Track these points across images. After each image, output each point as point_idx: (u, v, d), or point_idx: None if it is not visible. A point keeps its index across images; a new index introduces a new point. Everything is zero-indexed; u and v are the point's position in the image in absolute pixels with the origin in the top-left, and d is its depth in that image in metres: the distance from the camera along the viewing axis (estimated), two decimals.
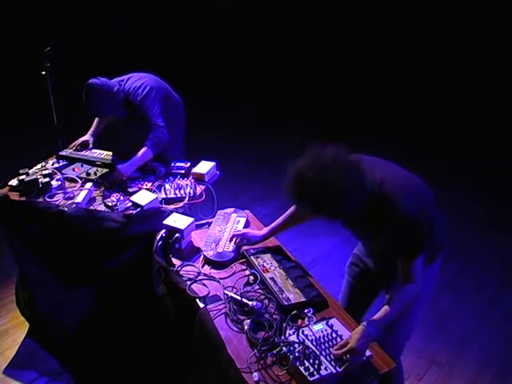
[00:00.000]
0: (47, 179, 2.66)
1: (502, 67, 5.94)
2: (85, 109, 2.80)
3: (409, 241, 1.69)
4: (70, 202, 2.55)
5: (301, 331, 1.71)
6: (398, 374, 2.16)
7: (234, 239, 2.22)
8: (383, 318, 1.67)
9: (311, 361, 1.59)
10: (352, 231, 1.96)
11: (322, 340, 1.68)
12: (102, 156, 3.00)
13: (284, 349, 1.64)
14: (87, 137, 3.17)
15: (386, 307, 1.70)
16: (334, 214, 1.64)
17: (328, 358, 1.61)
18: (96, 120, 3.20)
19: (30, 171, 2.74)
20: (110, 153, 3.03)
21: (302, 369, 1.57)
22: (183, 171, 2.82)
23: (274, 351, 1.66)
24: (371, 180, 1.68)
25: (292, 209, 2.16)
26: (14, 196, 2.62)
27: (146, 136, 2.80)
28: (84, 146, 3.12)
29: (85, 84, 2.74)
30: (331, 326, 1.74)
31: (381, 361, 1.67)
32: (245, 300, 1.86)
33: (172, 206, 2.54)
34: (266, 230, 2.24)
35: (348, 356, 1.58)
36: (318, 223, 2.11)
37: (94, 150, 3.08)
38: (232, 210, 2.49)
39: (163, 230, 2.26)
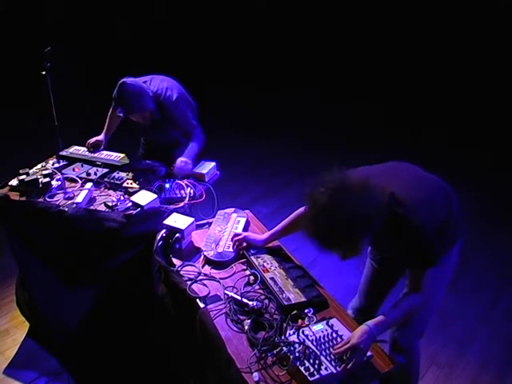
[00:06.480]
0: (47, 179, 2.65)
1: (500, 67, 5.95)
2: (124, 110, 2.75)
3: (421, 254, 1.71)
4: (70, 202, 2.55)
5: (301, 331, 1.71)
6: (412, 368, 2.16)
7: (235, 242, 2.20)
8: (384, 320, 1.70)
9: (311, 361, 1.59)
10: None
11: (322, 340, 1.68)
12: (117, 158, 2.97)
13: (284, 349, 1.64)
14: (101, 136, 3.13)
15: (388, 311, 1.74)
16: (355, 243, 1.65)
17: (328, 358, 1.61)
18: (108, 120, 3.14)
19: (30, 171, 2.74)
20: (122, 154, 3.00)
21: (302, 369, 1.57)
22: None
23: (274, 351, 1.66)
24: (381, 199, 1.65)
25: (295, 214, 2.12)
26: (14, 196, 2.62)
27: (188, 136, 2.90)
28: (96, 145, 3.09)
29: (119, 83, 2.70)
30: (331, 326, 1.75)
31: (381, 361, 1.68)
32: (245, 300, 1.87)
33: (172, 206, 2.54)
34: (267, 235, 2.21)
35: (349, 354, 1.59)
36: None
37: (104, 152, 3.05)
38: (232, 210, 2.49)
39: (163, 230, 2.26)
